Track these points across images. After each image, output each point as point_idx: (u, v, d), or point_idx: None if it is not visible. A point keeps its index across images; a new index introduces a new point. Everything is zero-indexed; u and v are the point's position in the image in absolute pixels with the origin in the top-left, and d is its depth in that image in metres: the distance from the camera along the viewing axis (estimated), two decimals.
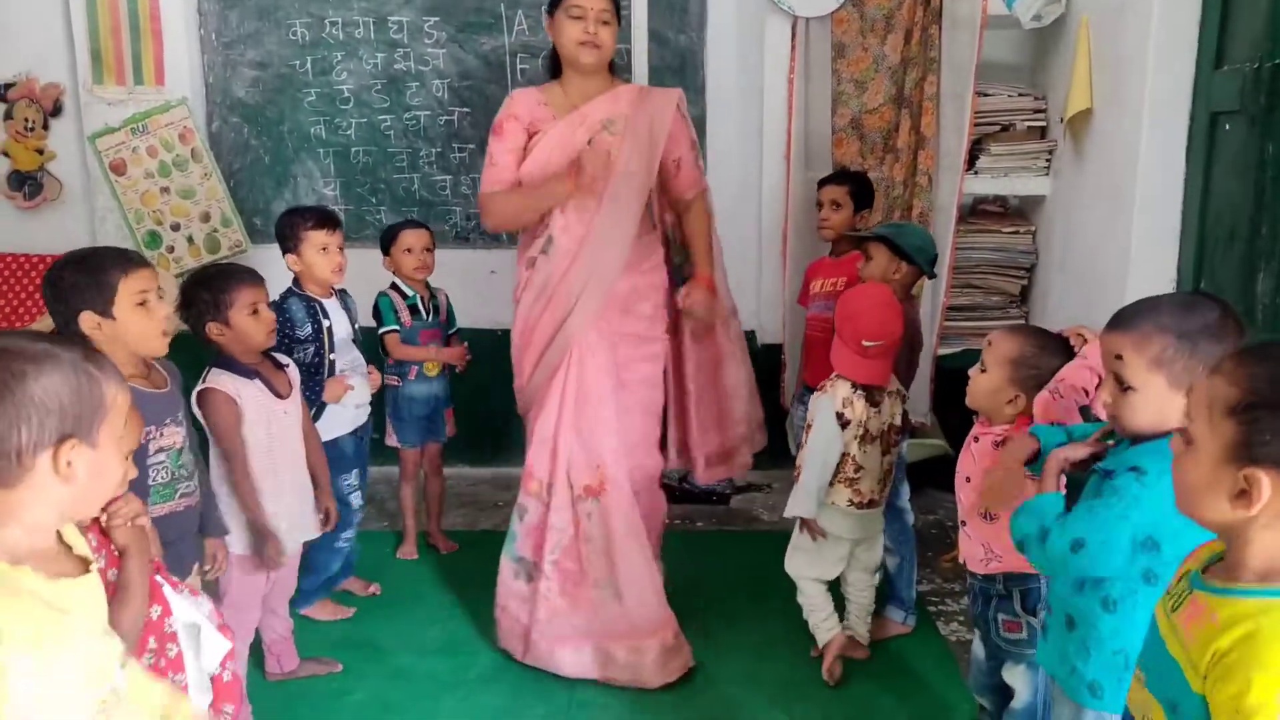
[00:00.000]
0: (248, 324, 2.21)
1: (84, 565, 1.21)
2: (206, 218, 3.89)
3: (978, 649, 2.05)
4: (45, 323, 3.66)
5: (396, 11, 3.79)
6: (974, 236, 3.57)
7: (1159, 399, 1.39)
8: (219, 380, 2.22)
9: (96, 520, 1.39)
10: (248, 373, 2.27)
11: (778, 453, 3.80)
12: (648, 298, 2.71)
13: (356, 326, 2.89)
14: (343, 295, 2.87)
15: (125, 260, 1.86)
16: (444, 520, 3.44)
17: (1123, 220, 2.78)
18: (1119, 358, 1.43)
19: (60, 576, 1.15)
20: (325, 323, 2.75)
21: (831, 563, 2.64)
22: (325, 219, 2.75)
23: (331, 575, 2.89)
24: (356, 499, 2.88)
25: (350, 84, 3.86)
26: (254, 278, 2.25)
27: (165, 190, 3.85)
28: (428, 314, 3.20)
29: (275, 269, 2.72)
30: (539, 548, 2.61)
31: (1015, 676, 1.94)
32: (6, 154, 3.97)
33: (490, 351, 3.54)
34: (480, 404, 3.57)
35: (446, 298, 3.30)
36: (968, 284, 3.59)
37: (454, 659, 2.70)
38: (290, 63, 3.85)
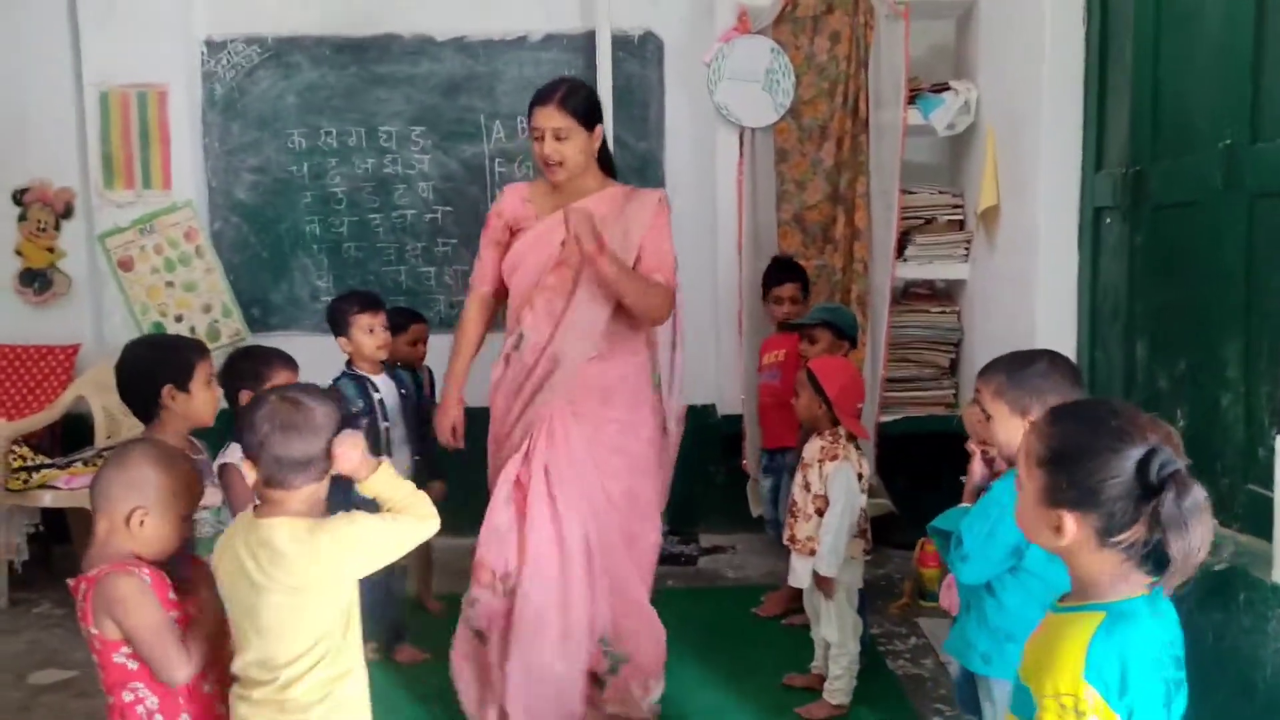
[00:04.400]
0: None
1: None
2: (208, 309, 4.21)
3: (955, 670, 2.31)
4: (53, 410, 3.93)
5: (386, 122, 4.22)
6: (907, 316, 4.01)
7: (1005, 421, 1.83)
8: (237, 455, 2.49)
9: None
10: None
11: (740, 516, 4.16)
12: (625, 384, 2.70)
13: (407, 396, 3.20)
14: (392, 370, 3.18)
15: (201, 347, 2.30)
16: (435, 585, 3.69)
17: (1028, 300, 3.21)
18: (979, 392, 1.88)
19: None
20: (376, 396, 3.07)
21: (857, 618, 2.87)
22: (369, 303, 3.09)
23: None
24: None
25: (343, 186, 4.25)
26: (291, 363, 2.57)
27: (170, 284, 4.18)
28: (410, 394, 3.49)
29: None
30: (493, 629, 2.64)
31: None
32: (19, 253, 4.29)
33: (482, 428, 3.85)
34: (470, 477, 3.86)
35: (431, 374, 3.60)
36: (903, 358, 4.02)
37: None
38: (288, 168, 4.24)
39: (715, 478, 4.31)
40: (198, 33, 4.20)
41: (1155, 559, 1.22)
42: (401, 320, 3.45)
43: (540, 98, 2.58)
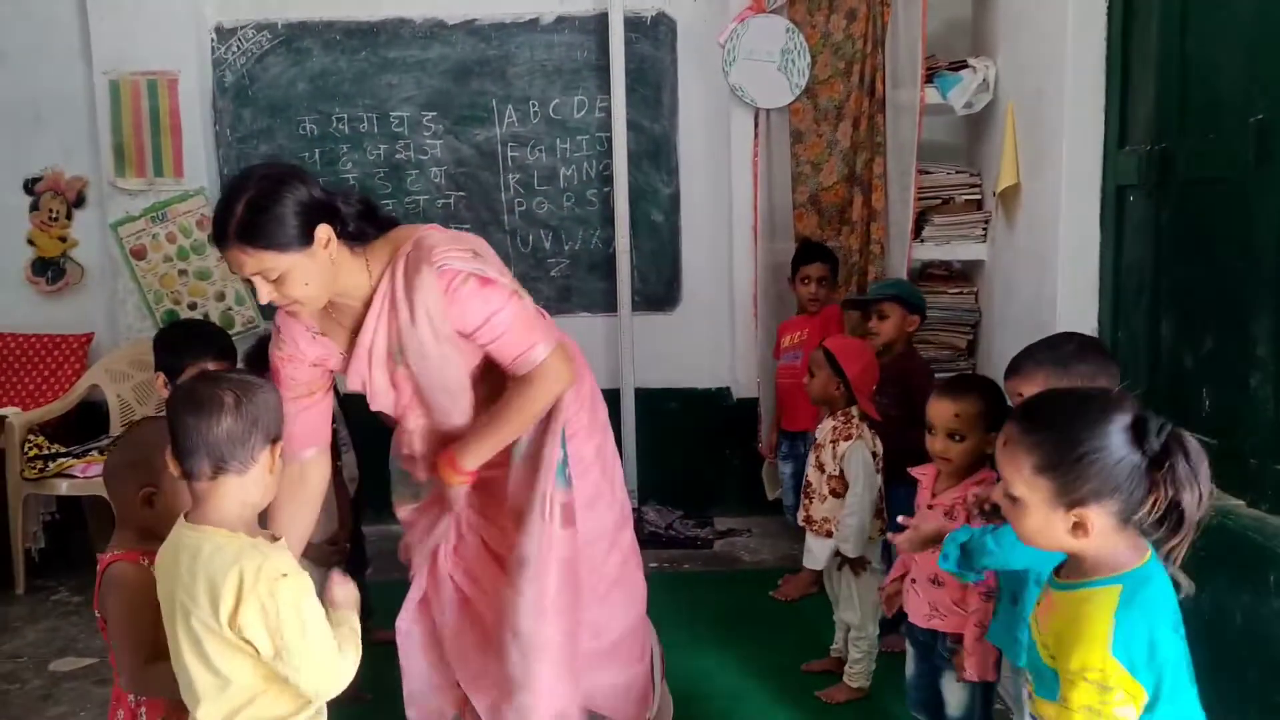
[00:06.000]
0: None
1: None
2: (221, 297, 4.20)
3: (910, 667, 2.33)
4: (67, 399, 3.93)
5: (397, 108, 4.19)
6: (924, 297, 3.96)
7: None
8: None
9: None
10: None
11: (755, 499, 4.15)
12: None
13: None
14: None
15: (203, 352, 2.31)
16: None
17: (1049, 280, 3.17)
18: (1020, 396, 1.79)
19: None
20: None
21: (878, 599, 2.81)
22: None
23: None
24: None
25: (355, 173, 4.23)
26: None
27: (183, 273, 4.17)
28: None
29: None
30: None
31: (952, 687, 2.20)
32: (31, 242, 4.28)
33: None
34: None
35: None
36: (921, 339, 3.96)
37: None
38: (299, 155, 4.21)
39: (730, 461, 4.30)
40: (207, 19, 4.17)
41: (1172, 519, 1.25)
42: None
43: (216, 235, 1.80)
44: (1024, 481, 1.30)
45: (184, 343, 2.55)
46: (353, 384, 2.07)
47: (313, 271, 1.82)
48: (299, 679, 1.51)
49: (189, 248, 4.16)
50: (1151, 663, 1.24)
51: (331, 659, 1.53)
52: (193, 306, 4.19)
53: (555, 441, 2.14)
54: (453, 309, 1.92)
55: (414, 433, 2.15)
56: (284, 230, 1.77)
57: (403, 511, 2.32)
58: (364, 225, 1.95)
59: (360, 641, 1.62)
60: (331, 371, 2.09)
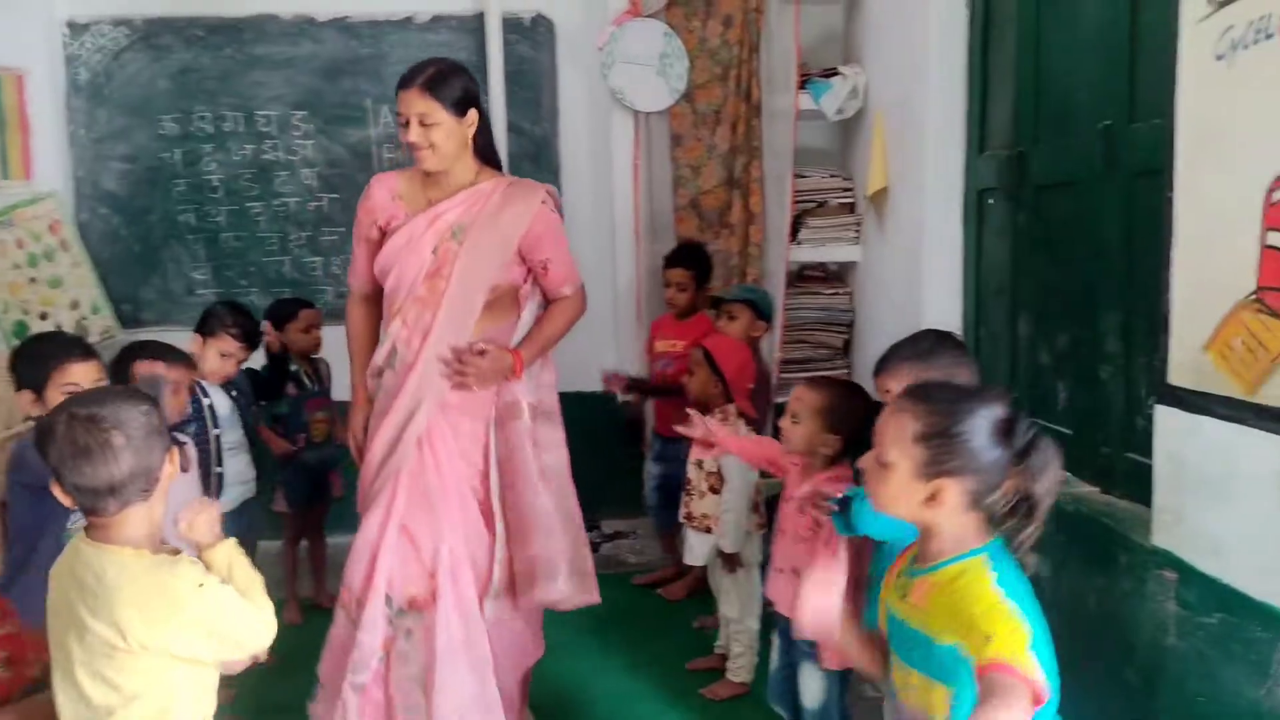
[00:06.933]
0: (167, 398, 2.39)
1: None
2: (75, 305, 3.97)
3: (775, 660, 2.38)
4: None
5: (265, 106, 4.05)
6: (801, 298, 4.06)
7: None
8: None
9: None
10: None
11: (641, 502, 4.16)
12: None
13: (241, 402, 3.03)
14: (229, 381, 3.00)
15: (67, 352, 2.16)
16: (329, 583, 3.58)
17: (916, 280, 3.28)
18: (888, 392, 1.87)
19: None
20: (205, 401, 2.88)
21: (759, 594, 2.81)
22: (235, 330, 2.99)
23: None
24: None
25: (220, 174, 4.07)
26: (186, 359, 2.44)
27: (33, 280, 3.92)
28: (312, 383, 3.42)
29: None
30: (335, 668, 2.42)
31: (808, 678, 2.25)
32: None
33: None
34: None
35: (328, 367, 3.50)
36: (798, 339, 4.07)
37: None
38: (159, 155, 4.03)
39: (616, 464, 4.29)
40: (58, 13, 3.95)
41: (1023, 509, 1.40)
42: (289, 309, 3.40)
43: (403, 80, 2.38)
44: (900, 448, 1.42)
45: (44, 350, 2.38)
46: (396, 241, 2.43)
47: (454, 137, 2.38)
48: (245, 650, 1.58)
49: (39, 254, 3.92)
50: (1028, 609, 1.35)
51: (254, 618, 1.58)
52: (44, 316, 3.94)
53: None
54: (532, 231, 2.45)
55: (417, 304, 2.41)
56: (454, 95, 2.36)
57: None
58: (490, 144, 2.53)
59: (255, 571, 1.65)
60: (385, 232, 2.47)
